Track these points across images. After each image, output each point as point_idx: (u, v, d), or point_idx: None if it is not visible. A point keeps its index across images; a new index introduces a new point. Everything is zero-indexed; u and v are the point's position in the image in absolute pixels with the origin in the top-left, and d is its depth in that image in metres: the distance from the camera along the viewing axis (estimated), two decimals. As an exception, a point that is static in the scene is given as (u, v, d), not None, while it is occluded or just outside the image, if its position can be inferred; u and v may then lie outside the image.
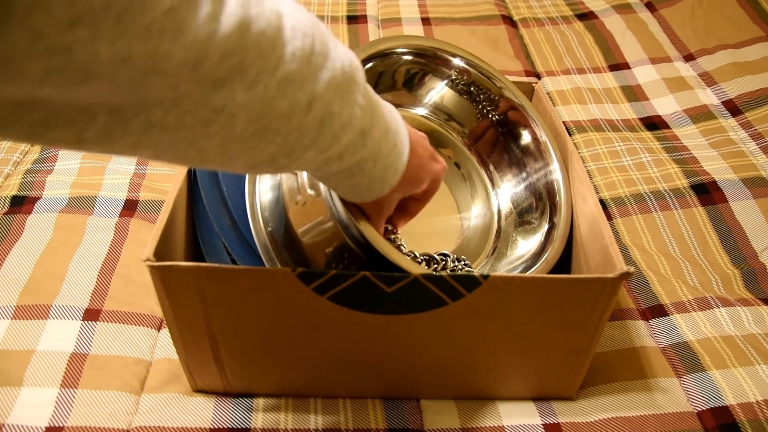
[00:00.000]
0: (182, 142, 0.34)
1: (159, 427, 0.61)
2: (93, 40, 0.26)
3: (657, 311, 0.75)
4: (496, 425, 0.63)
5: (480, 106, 0.77)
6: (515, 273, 0.67)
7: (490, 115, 0.77)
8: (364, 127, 0.42)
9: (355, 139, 0.42)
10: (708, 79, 1.13)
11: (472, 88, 0.76)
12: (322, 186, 0.57)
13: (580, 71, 1.19)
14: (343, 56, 0.39)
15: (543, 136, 0.74)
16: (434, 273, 0.53)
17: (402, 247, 0.66)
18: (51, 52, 0.25)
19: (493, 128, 0.77)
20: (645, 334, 0.72)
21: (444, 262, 0.68)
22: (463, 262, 0.69)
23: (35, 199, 0.85)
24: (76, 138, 0.31)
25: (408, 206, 0.56)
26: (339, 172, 0.44)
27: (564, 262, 0.68)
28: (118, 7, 0.26)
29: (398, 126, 0.47)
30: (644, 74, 1.17)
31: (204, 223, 0.66)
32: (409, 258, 0.56)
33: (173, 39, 0.28)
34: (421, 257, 0.68)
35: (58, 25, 0.24)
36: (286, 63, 0.34)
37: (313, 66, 0.36)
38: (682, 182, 0.92)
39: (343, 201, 0.53)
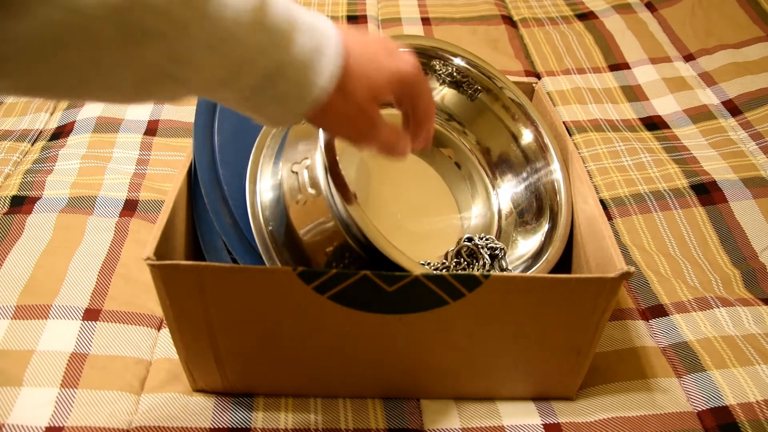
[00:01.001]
0: (43, 60, 0.30)
1: (159, 427, 0.61)
2: None
3: (657, 311, 0.75)
4: (496, 425, 0.63)
5: (480, 107, 0.77)
6: (516, 273, 0.67)
7: (491, 115, 0.77)
8: (271, 23, 0.37)
9: (263, 39, 0.37)
10: (708, 79, 1.13)
11: (472, 88, 0.76)
12: (322, 185, 0.57)
13: (580, 71, 1.19)
14: None
15: (543, 136, 0.74)
16: (435, 272, 0.53)
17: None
18: None
19: (493, 128, 0.77)
20: (645, 334, 0.72)
21: (473, 243, 0.68)
22: (485, 239, 0.69)
23: (35, 199, 0.85)
24: None
25: (407, 123, 0.50)
26: (257, 84, 0.39)
27: (564, 262, 0.68)
28: None
29: (319, 24, 0.41)
30: (644, 74, 1.17)
31: (204, 222, 0.66)
32: (409, 257, 0.56)
33: None
34: (450, 253, 0.69)
35: None
36: None
37: None
38: (682, 182, 0.92)
39: (345, 200, 0.53)
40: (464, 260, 0.69)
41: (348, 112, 0.44)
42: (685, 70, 1.17)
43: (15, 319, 0.69)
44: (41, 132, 1.02)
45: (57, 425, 0.60)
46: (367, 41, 0.45)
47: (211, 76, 0.37)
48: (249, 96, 0.40)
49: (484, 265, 0.68)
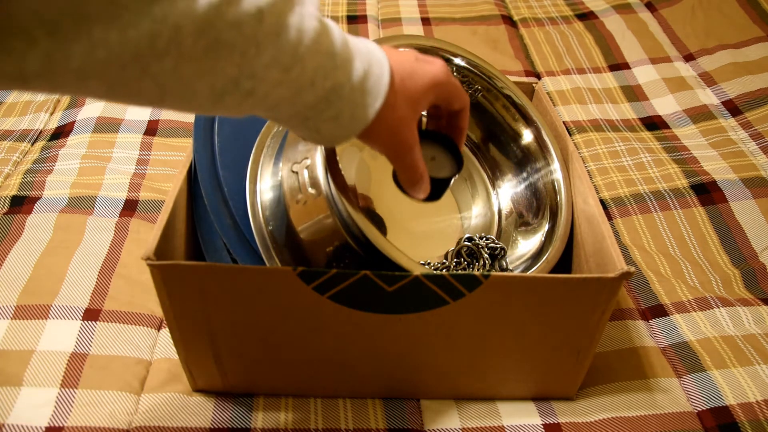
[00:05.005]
0: (132, 66, 0.33)
1: (159, 427, 0.61)
2: None
3: (657, 311, 0.75)
4: (496, 425, 0.63)
5: (481, 107, 0.77)
6: (516, 273, 0.67)
7: (491, 115, 0.77)
8: (329, 46, 0.41)
9: (323, 61, 0.41)
10: (708, 79, 1.13)
11: (472, 88, 0.76)
12: (323, 185, 0.57)
13: (580, 71, 1.19)
14: None
15: (544, 136, 0.74)
16: (435, 272, 0.53)
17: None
18: None
19: (493, 128, 0.77)
20: (645, 334, 0.72)
21: (474, 243, 0.68)
22: (485, 238, 0.69)
23: (35, 199, 0.85)
24: (18, 71, 0.30)
25: (452, 123, 0.55)
26: (316, 103, 0.42)
27: (564, 262, 0.68)
28: None
29: (369, 48, 0.45)
30: (644, 74, 1.17)
31: (205, 222, 0.66)
32: (409, 257, 0.56)
33: None
34: (450, 253, 0.69)
35: None
36: None
37: None
38: (682, 182, 0.92)
39: (345, 200, 0.53)
40: (464, 260, 0.69)
41: (393, 127, 0.48)
42: (685, 70, 1.17)
43: (15, 319, 0.69)
44: (41, 132, 1.02)
45: (57, 425, 0.60)
46: (400, 56, 0.48)
47: (276, 93, 0.40)
48: (309, 116, 0.43)
49: (484, 265, 0.68)
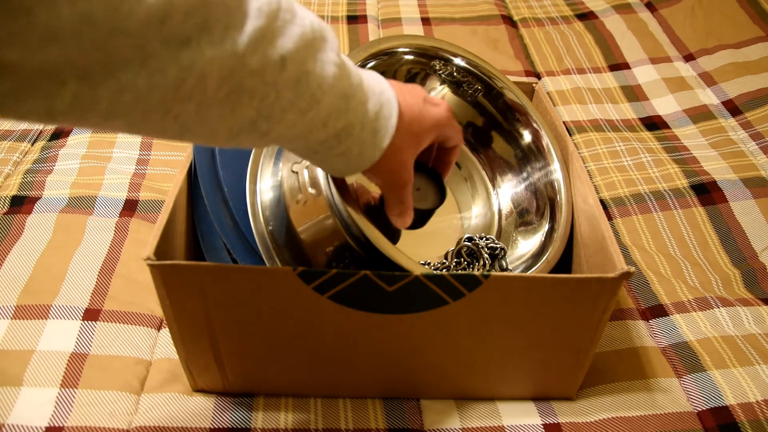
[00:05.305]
0: (157, 108, 0.34)
1: (159, 427, 0.61)
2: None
3: (657, 311, 0.75)
4: (496, 425, 0.63)
5: (481, 107, 0.77)
6: (516, 273, 0.67)
7: (491, 115, 0.77)
8: (345, 89, 0.42)
9: (338, 103, 0.42)
10: (708, 79, 1.13)
11: (472, 88, 0.76)
12: (323, 185, 0.57)
13: (580, 71, 1.19)
14: (311, 16, 0.40)
15: (544, 137, 0.74)
16: (435, 272, 0.53)
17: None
18: (11, 14, 0.26)
19: (493, 128, 0.77)
20: (645, 334, 0.73)
21: (474, 243, 0.69)
22: (485, 238, 0.70)
23: (35, 199, 0.85)
24: (46, 110, 0.31)
25: (442, 157, 0.58)
26: (327, 140, 0.44)
27: (564, 262, 0.68)
28: None
29: (383, 88, 0.47)
30: (644, 74, 1.17)
31: (205, 222, 0.66)
32: (409, 257, 0.56)
33: None
34: (450, 253, 0.69)
35: None
36: (252, 18, 0.35)
37: (281, 21, 0.37)
38: (682, 182, 0.92)
39: (345, 200, 0.53)
40: (464, 260, 0.69)
41: (394, 166, 0.49)
42: (685, 70, 1.17)
43: (15, 319, 0.69)
44: (41, 132, 1.02)
45: (57, 425, 0.60)
46: (407, 96, 0.49)
47: (290, 132, 0.41)
48: (318, 150, 0.45)
49: (484, 265, 0.68)
